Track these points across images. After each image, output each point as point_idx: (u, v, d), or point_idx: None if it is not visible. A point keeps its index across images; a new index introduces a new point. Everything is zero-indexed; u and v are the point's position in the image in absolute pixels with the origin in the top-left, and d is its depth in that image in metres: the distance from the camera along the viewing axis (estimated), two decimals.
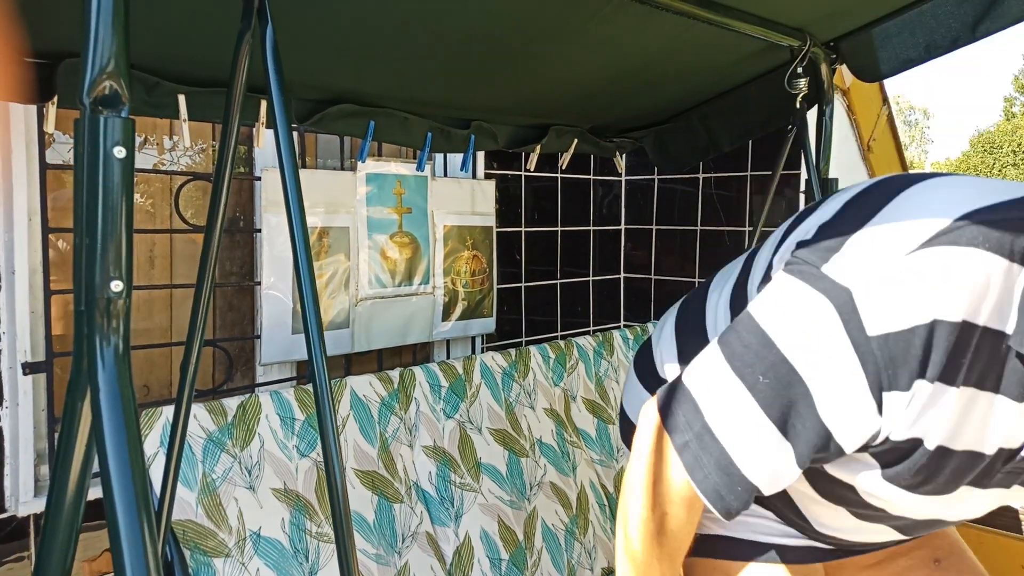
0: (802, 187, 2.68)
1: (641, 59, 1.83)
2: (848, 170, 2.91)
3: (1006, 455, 1.00)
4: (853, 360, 0.91)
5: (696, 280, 3.11)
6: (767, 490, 1.01)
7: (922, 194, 0.96)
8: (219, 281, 2.35)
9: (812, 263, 0.95)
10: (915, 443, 0.96)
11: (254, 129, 1.67)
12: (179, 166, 2.36)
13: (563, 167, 2.54)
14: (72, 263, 0.76)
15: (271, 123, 0.94)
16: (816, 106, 1.96)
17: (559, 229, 3.06)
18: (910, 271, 0.89)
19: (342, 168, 2.47)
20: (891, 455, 0.98)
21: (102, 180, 0.73)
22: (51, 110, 1.34)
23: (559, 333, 3.11)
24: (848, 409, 0.93)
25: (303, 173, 2.22)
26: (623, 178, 3.26)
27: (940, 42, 1.78)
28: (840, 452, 0.98)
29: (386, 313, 2.40)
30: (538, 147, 2.23)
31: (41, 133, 1.83)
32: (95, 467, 0.79)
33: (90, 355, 0.75)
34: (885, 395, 0.92)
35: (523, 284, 2.92)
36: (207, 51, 1.40)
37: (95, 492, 1.56)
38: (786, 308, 0.96)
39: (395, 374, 1.84)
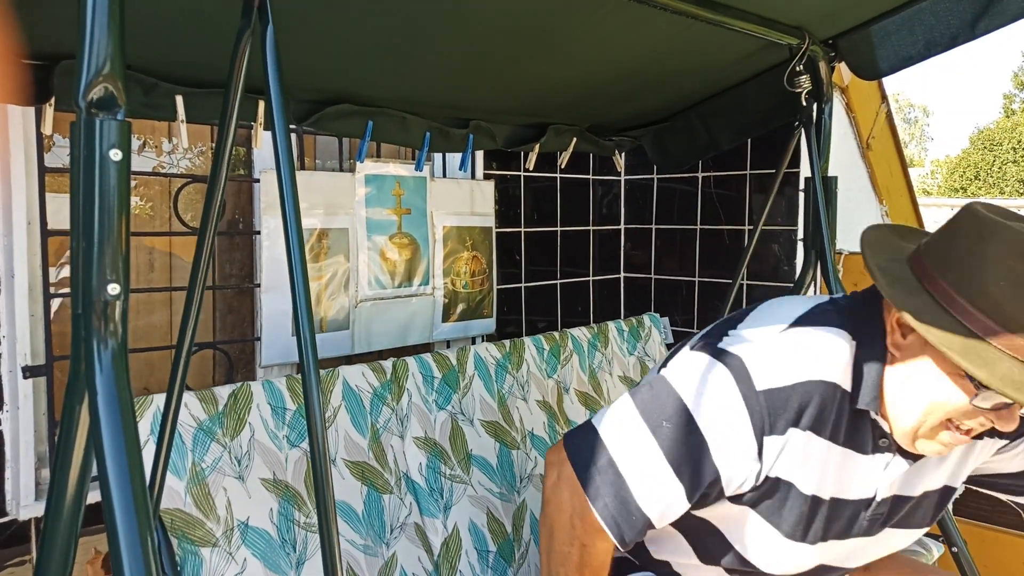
0: (801, 185, 2.68)
1: (640, 58, 1.83)
2: (847, 168, 2.90)
3: (864, 504, 1.22)
4: (742, 409, 1.13)
5: (696, 279, 3.11)
6: (658, 522, 1.19)
7: (775, 301, 1.27)
8: (218, 283, 2.35)
9: (710, 342, 1.20)
10: (789, 486, 1.18)
11: (252, 131, 1.67)
12: (178, 168, 2.36)
13: (562, 166, 2.54)
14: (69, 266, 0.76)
15: (269, 124, 0.93)
16: (815, 104, 1.96)
17: (559, 229, 3.06)
18: (788, 342, 1.16)
19: (341, 169, 2.47)
20: (767, 497, 1.19)
21: (98, 183, 0.72)
22: (48, 112, 1.34)
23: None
24: (734, 451, 1.14)
25: (302, 175, 2.22)
26: (622, 177, 3.26)
27: (939, 39, 1.78)
28: (722, 493, 1.18)
29: (386, 314, 2.40)
30: (537, 146, 2.23)
31: (39, 135, 1.83)
32: (95, 470, 0.79)
33: (88, 358, 0.75)
34: (765, 439, 1.14)
35: (523, 284, 2.92)
36: (205, 52, 1.40)
37: (95, 495, 1.55)
38: (691, 370, 1.19)
39: (388, 364, 1.84)
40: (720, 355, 1.17)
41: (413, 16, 1.40)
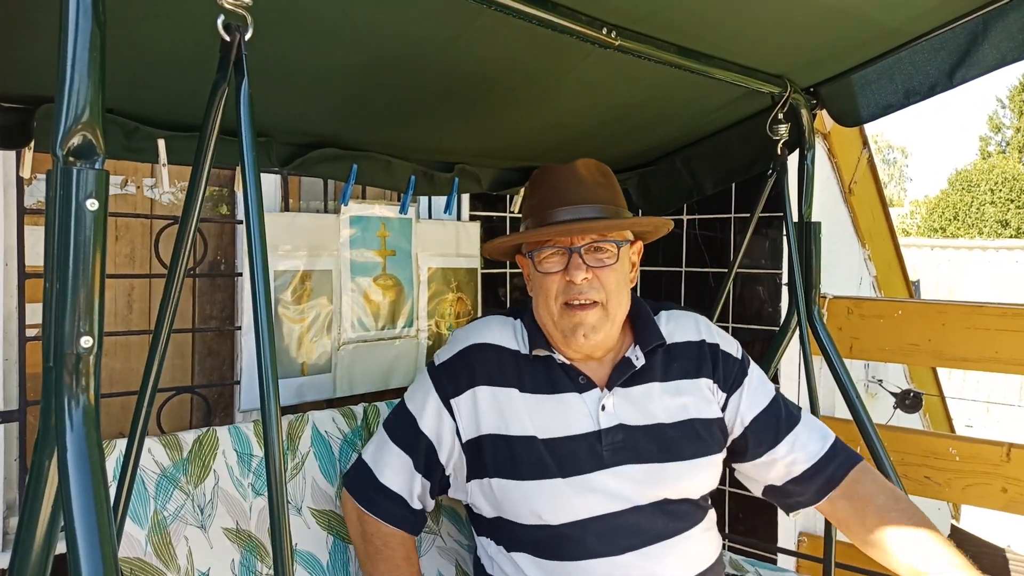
0: (785, 229, 2.70)
1: (624, 104, 1.85)
2: (830, 212, 2.93)
3: (595, 436, 1.45)
4: (429, 383, 1.53)
5: None
6: (411, 498, 1.51)
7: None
8: (199, 325, 2.31)
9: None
10: (499, 437, 1.46)
11: (237, 171, 1.66)
12: (163, 203, 2.34)
13: None
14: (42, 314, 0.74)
15: (242, 174, 0.92)
16: (798, 151, 1.98)
17: None
18: (458, 330, 1.61)
19: (326, 211, 2.46)
20: (491, 455, 1.46)
21: (73, 233, 0.71)
22: (27, 155, 1.32)
23: None
24: (432, 416, 1.50)
25: (286, 216, 2.21)
26: None
27: (918, 88, 1.81)
28: (437, 459, 1.51)
29: (369, 357, 2.37)
30: (522, 190, 2.23)
31: (19, 177, 1.81)
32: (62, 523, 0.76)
33: (58, 414, 0.72)
34: (451, 401, 1.50)
35: None
36: (187, 95, 1.39)
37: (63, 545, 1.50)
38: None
39: (359, 409, 1.80)
40: (429, 361, 1.61)
41: (397, 62, 1.41)
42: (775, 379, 2.77)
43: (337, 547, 1.61)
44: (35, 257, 1.90)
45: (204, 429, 1.53)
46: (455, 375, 1.51)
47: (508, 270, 2.87)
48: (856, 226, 3.21)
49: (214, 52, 0.92)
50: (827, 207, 2.87)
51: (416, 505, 1.52)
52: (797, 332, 2.00)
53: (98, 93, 0.72)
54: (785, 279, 2.64)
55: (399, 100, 1.59)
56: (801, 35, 1.61)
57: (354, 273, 2.34)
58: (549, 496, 1.42)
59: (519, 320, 1.56)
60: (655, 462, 1.45)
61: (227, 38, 0.87)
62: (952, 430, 4.23)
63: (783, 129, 1.90)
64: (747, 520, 2.88)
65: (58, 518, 0.79)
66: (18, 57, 1.17)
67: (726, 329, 2.94)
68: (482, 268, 2.69)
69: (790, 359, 2.25)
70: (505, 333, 1.54)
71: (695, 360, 1.56)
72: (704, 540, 1.50)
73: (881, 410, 3.27)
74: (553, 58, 1.49)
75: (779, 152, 1.96)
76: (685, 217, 3.07)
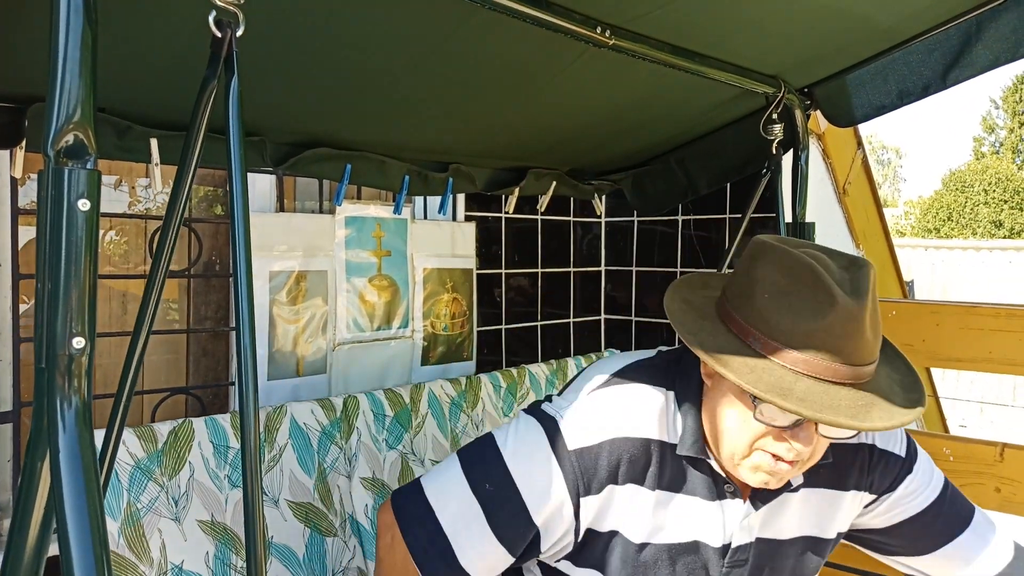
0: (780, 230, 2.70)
1: (619, 103, 1.85)
2: (824, 213, 2.94)
3: (720, 551, 1.23)
4: (556, 471, 1.17)
5: None
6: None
7: (603, 360, 1.30)
8: (194, 326, 2.31)
9: (537, 404, 1.27)
10: (614, 536, 1.21)
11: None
12: (155, 204, 2.33)
13: (542, 209, 2.54)
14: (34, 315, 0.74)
15: (229, 172, 0.92)
16: (792, 151, 1.98)
17: (539, 271, 3.06)
18: (599, 402, 1.21)
19: (321, 211, 2.46)
20: (594, 551, 1.22)
21: (65, 233, 0.70)
22: (19, 155, 1.31)
23: None
24: (551, 511, 1.18)
25: (281, 216, 2.20)
26: (603, 219, 3.27)
27: (912, 89, 1.81)
28: (539, 548, 1.21)
29: (364, 358, 2.37)
30: (516, 190, 2.23)
31: (12, 178, 1.80)
32: (54, 525, 0.76)
33: (50, 415, 0.72)
34: (582, 500, 1.18)
35: (503, 326, 2.90)
36: (180, 94, 1.38)
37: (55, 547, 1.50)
38: (514, 432, 1.24)
39: (339, 401, 1.79)
40: (540, 417, 1.23)
41: (391, 61, 1.40)
42: None
43: (314, 540, 1.60)
44: (30, 257, 1.89)
45: (180, 420, 1.51)
46: (594, 471, 1.18)
47: (503, 270, 2.87)
48: (850, 227, 3.22)
49: (206, 51, 0.92)
50: (821, 207, 2.88)
51: None
52: None
53: (90, 92, 0.72)
54: None
55: (393, 99, 1.59)
56: (795, 35, 1.62)
57: (349, 274, 2.33)
58: None
59: (672, 393, 1.23)
60: None
61: (218, 34, 0.86)
62: (946, 430, 4.24)
63: (777, 129, 1.91)
64: None
65: (51, 520, 0.79)
66: (9, 55, 1.17)
67: None
68: (477, 269, 2.69)
69: None
70: (655, 419, 1.21)
71: (847, 468, 1.29)
72: None
73: None
74: (547, 58, 1.49)
75: (773, 152, 1.96)
76: (680, 218, 3.07)
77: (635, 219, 3.22)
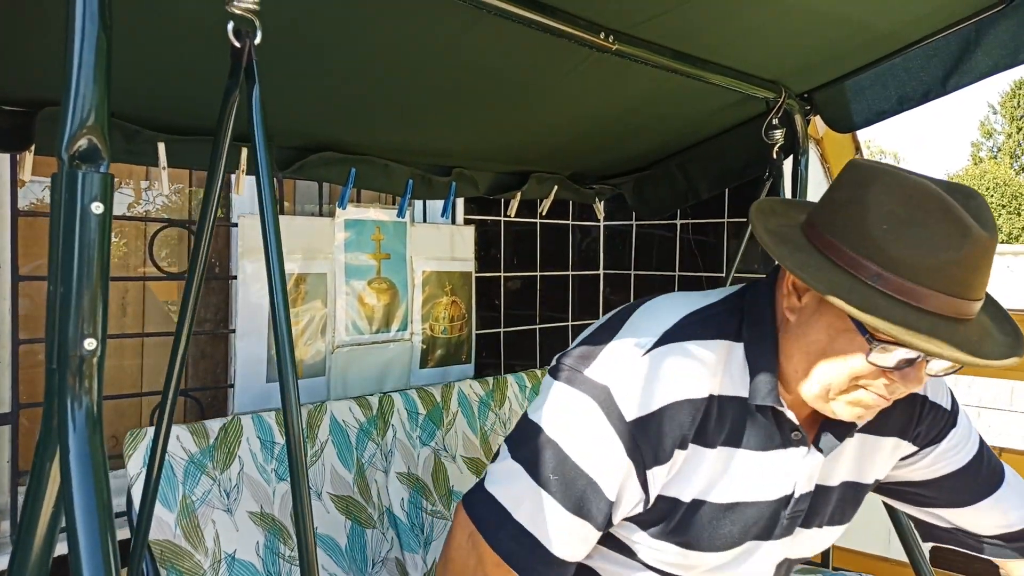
0: None
1: (621, 109, 1.86)
2: None
3: (783, 502, 1.19)
4: (618, 445, 1.08)
5: None
6: (579, 556, 1.17)
7: (650, 308, 1.18)
8: (193, 328, 2.31)
9: (575, 368, 1.13)
10: (674, 499, 1.15)
11: (235, 177, 1.66)
12: (154, 205, 2.34)
13: (543, 213, 2.55)
14: (44, 316, 0.74)
15: (253, 173, 0.93)
16: (791, 156, 1.99)
17: (538, 274, 3.07)
18: (655, 364, 1.10)
19: (320, 214, 2.46)
20: (665, 516, 1.16)
21: (78, 236, 0.71)
22: (27, 158, 1.32)
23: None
24: (619, 483, 1.11)
25: (281, 219, 2.20)
26: (602, 223, 3.28)
27: (912, 95, 1.82)
28: (613, 518, 1.14)
29: (363, 360, 2.37)
30: (518, 194, 2.24)
31: (14, 180, 1.81)
32: (61, 523, 0.77)
33: (61, 415, 0.73)
34: (648, 472, 1.11)
35: (502, 329, 2.91)
36: (188, 100, 1.39)
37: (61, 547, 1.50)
38: (559, 409, 1.13)
39: (375, 400, 1.88)
40: (585, 386, 1.11)
41: (396, 67, 1.41)
42: None
43: (355, 531, 1.67)
44: (28, 259, 1.89)
45: (229, 417, 1.59)
46: (658, 441, 1.10)
47: (503, 273, 2.88)
48: None
49: (217, 57, 0.93)
50: None
51: (577, 560, 1.21)
52: None
53: (103, 97, 0.72)
54: None
55: (398, 104, 1.60)
56: (796, 41, 1.63)
57: (349, 276, 2.34)
58: (708, 561, 1.21)
59: (740, 345, 1.14)
60: (817, 527, 1.26)
61: (237, 44, 0.87)
62: None
63: (778, 134, 1.92)
64: None
65: (58, 519, 0.79)
66: (19, 60, 1.17)
67: None
68: (476, 272, 2.69)
69: None
70: (719, 374, 1.13)
71: (900, 415, 1.26)
72: None
73: None
74: (550, 63, 1.50)
75: (774, 157, 1.97)
76: (679, 221, 3.08)
77: (634, 223, 3.23)
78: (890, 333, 0.96)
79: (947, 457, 1.31)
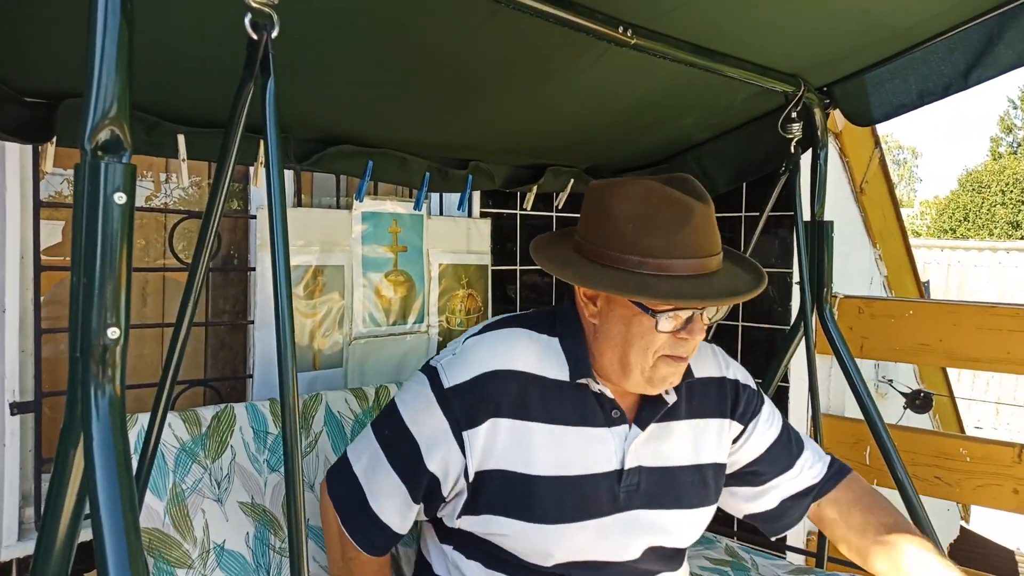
0: (796, 228, 2.70)
1: (637, 101, 1.85)
2: (842, 212, 2.93)
3: (615, 476, 1.34)
4: (437, 409, 1.30)
5: None
6: (400, 527, 1.35)
7: (494, 319, 1.44)
8: (212, 319, 2.33)
9: (429, 361, 1.38)
10: (507, 474, 1.30)
11: (253, 169, 1.67)
12: (172, 198, 2.36)
13: (559, 207, 2.55)
14: (68, 305, 0.75)
15: (266, 168, 0.94)
16: (811, 150, 1.98)
17: None
18: (473, 345, 1.35)
19: (338, 206, 2.47)
20: (496, 491, 1.30)
21: (101, 225, 0.72)
22: (49, 149, 1.33)
23: None
24: (440, 447, 1.29)
25: (299, 211, 2.22)
26: None
27: (932, 88, 1.80)
28: (439, 493, 1.32)
29: (380, 352, 2.38)
30: (535, 187, 2.24)
31: (36, 171, 1.83)
32: (85, 510, 0.78)
33: (84, 403, 0.74)
34: (464, 434, 1.28)
35: None
36: (208, 92, 1.40)
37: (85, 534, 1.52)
38: (408, 385, 1.39)
39: (371, 390, 1.86)
40: (425, 368, 1.36)
41: (414, 61, 1.42)
42: (784, 378, 2.78)
43: None
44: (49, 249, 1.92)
45: (221, 406, 1.57)
46: (472, 404, 1.29)
47: (519, 267, 2.88)
48: (867, 226, 3.21)
49: (236, 50, 0.93)
50: (839, 206, 2.87)
51: (404, 532, 1.39)
52: (811, 332, 2.00)
53: (125, 89, 0.73)
54: (797, 278, 2.64)
55: (415, 97, 1.60)
56: (816, 34, 1.61)
57: (366, 269, 2.35)
58: (560, 538, 1.32)
59: (556, 340, 1.36)
60: (664, 508, 1.39)
61: (254, 36, 0.88)
62: (962, 431, 4.22)
63: (796, 128, 1.90)
64: None
65: (82, 506, 0.80)
66: (41, 53, 1.19)
67: (735, 327, 2.95)
68: (492, 265, 2.70)
69: (802, 358, 2.25)
70: (532, 355, 1.33)
71: (715, 398, 1.48)
72: None
73: (891, 410, 3.27)
74: (568, 56, 1.50)
75: (792, 151, 1.96)
76: None
77: None
78: (665, 304, 1.22)
79: (765, 430, 1.51)
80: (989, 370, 2.32)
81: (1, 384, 1.79)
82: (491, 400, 1.29)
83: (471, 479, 1.31)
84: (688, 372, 1.38)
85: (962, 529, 4.43)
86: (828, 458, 1.56)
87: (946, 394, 3.87)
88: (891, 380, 3.29)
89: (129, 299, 0.74)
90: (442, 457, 1.30)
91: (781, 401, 2.78)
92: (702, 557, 2.05)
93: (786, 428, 1.56)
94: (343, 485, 1.37)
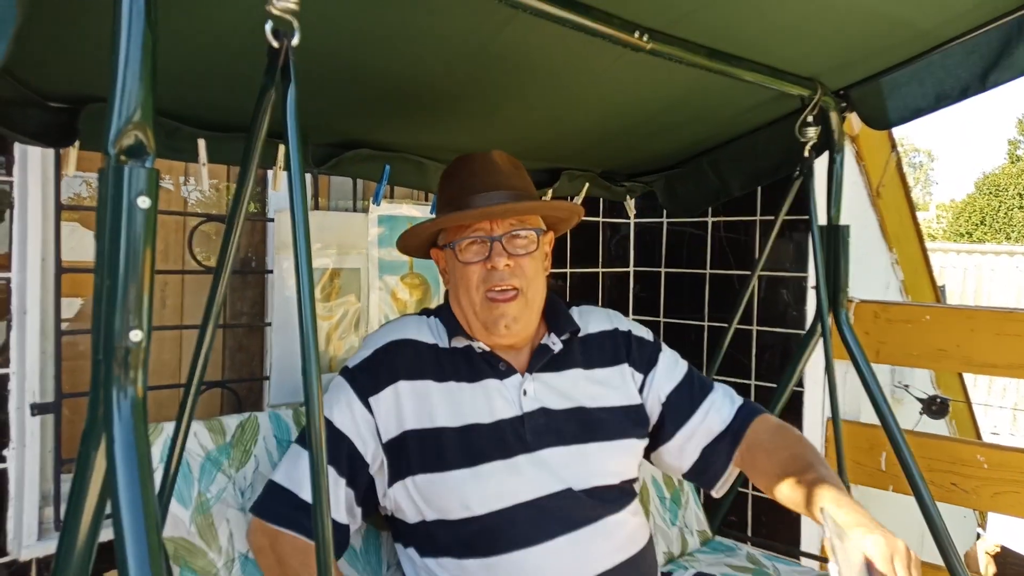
0: (811, 232, 2.68)
1: (653, 105, 1.85)
2: (858, 216, 2.91)
3: (518, 420, 1.46)
4: (345, 385, 1.46)
5: (705, 323, 3.10)
6: (340, 515, 1.40)
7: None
8: (229, 321, 2.35)
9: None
10: (420, 432, 1.42)
11: (272, 172, 1.68)
12: (189, 201, 2.38)
13: None
14: (91, 309, 0.76)
15: (287, 170, 0.95)
16: (827, 154, 1.96)
17: (568, 271, 3.07)
18: (370, 335, 1.56)
19: (354, 209, 2.49)
20: (414, 452, 1.41)
21: (124, 229, 0.72)
22: (72, 153, 1.35)
23: None
24: (349, 417, 1.42)
25: (316, 215, 2.23)
26: (632, 220, 3.27)
27: (950, 92, 1.78)
28: (362, 460, 1.41)
29: None
30: (550, 191, 2.24)
31: (58, 174, 1.85)
32: (105, 511, 0.79)
33: (106, 405, 0.74)
34: (371, 399, 1.43)
35: None
36: (228, 97, 1.42)
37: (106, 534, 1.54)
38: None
39: None
40: (340, 370, 1.52)
41: (431, 66, 1.42)
42: (800, 383, 2.76)
43: (369, 533, 1.65)
44: (68, 252, 1.94)
45: (246, 415, 1.57)
46: (374, 373, 1.45)
47: None
48: (883, 230, 3.19)
49: (256, 56, 0.94)
50: (854, 210, 2.85)
51: (343, 519, 1.41)
52: (827, 336, 1.99)
53: (149, 94, 0.74)
54: (812, 282, 2.63)
55: (431, 102, 1.61)
56: (832, 37, 1.61)
57: (382, 271, 2.36)
58: (477, 483, 1.40)
59: (433, 317, 1.57)
60: (578, 443, 1.48)
61: (275, 44, 0.88)
62: (979, 437, 4.18)
63: (812, 132, 1.89)
64: (770, 524, 2.88)
65: (103, 507, 0.81)
66: (65, 58, 1.20)
67: (749, 331, 2.94)
68: None
69: (817, 363, 2.24)
70: (420, 330, 1.53)
71: (611, 348, 1.63)
72: (633, 524, 1.51)
73: (907, 416, 3.24)
74: (583, 61, 1.50)
75: (807, 155, 1.95)
76: (710, 219, 3.07)
77: (664, 220, 3.22)
78: (447, 223, 1.47)
79: (666, 377, 1.63)
80: (1007, 376, 2.30)
81: (22, 385, 1.81)
82: (391, 367, 1.46)
83: (385, 444, 1.43)
84: (578, 329, 1.59)
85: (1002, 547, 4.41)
86: (740, 401, 1.64)
87: (963, 400, 3.83)
88: (907, 385, 3.26)
89: (151, 302, 0.75)
90: (351, 421, 1.42)
91: (795, 405, 2.76)
92: (723, 564, 2.04)
93: (690, 374, 1.67)
94: (268, 498, 1.41)
